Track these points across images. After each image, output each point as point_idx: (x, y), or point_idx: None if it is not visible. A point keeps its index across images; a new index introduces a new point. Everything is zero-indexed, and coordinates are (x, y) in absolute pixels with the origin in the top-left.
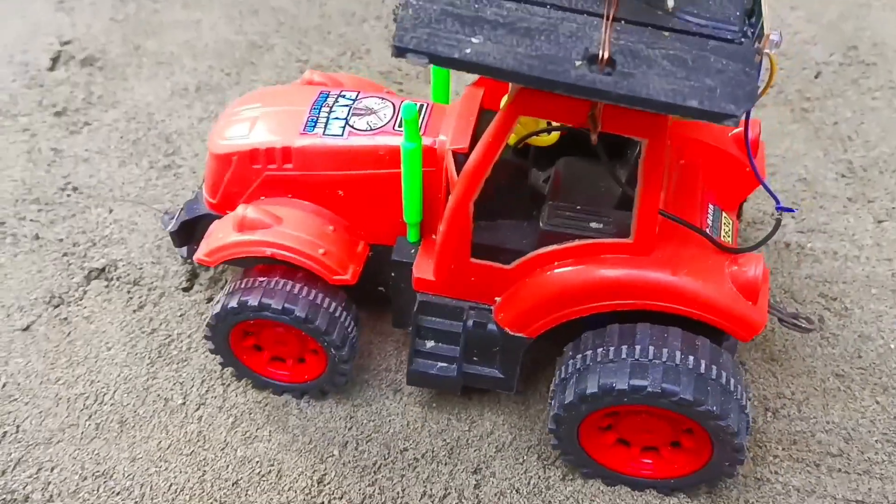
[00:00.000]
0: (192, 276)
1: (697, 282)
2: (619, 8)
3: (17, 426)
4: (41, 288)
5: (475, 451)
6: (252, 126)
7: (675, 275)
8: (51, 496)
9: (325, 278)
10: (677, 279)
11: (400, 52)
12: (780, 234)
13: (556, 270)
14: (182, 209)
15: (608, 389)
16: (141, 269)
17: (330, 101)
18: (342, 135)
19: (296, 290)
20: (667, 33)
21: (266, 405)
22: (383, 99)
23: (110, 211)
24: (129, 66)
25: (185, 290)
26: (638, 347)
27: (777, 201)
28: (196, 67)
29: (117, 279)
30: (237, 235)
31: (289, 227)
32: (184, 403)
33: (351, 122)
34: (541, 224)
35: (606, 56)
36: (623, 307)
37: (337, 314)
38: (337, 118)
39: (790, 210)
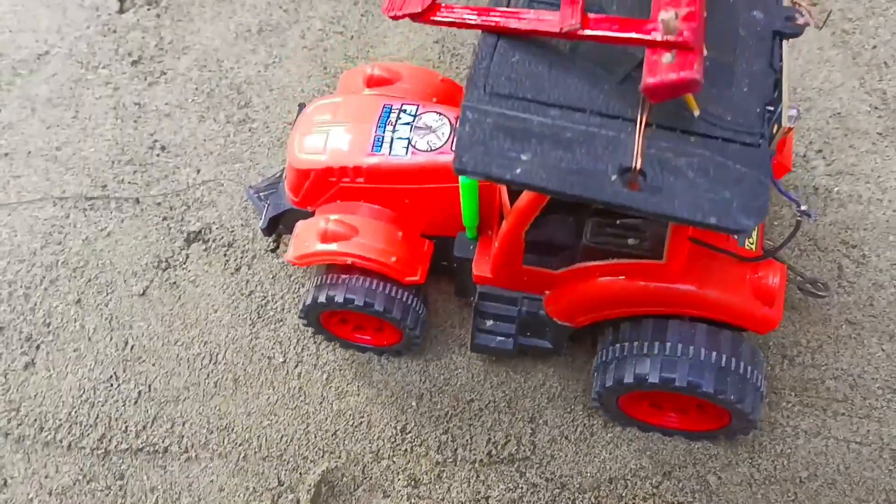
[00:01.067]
0: (278, 237)
1: (720, 293)
2: (651, 112)
3: (149, 385)
4: (149, 253)
5: (530, 401)
6: (326, 142)
7: (702, 288)
8: (185, 448)
9: (398, 279)
10: (703, 292)
11: (460, 172)
12: (810, 178)
13: (600, 279)
14: (269, 205)
15: (642, 380)
16: (233, 231)
17: (392, 117)
18: (406, 154)
19: (374, 287)
20: (693, 138)
21: (353, 362)
22: (441, 115)
23: (198, 171)
24: (193, 4)
25: (273, 251)
26: (668, 344)
27: (798, 204)
28: (255, 4)
29: (213, 242)
30: (321, 245)
31: (364, 237)
32: (284, 362)
33: (413, 142)
34: (584, 240)
35: (638, 167)
36: (656, 312)
37: (409, 302)
38: (400, 137)
39: (809, 215)
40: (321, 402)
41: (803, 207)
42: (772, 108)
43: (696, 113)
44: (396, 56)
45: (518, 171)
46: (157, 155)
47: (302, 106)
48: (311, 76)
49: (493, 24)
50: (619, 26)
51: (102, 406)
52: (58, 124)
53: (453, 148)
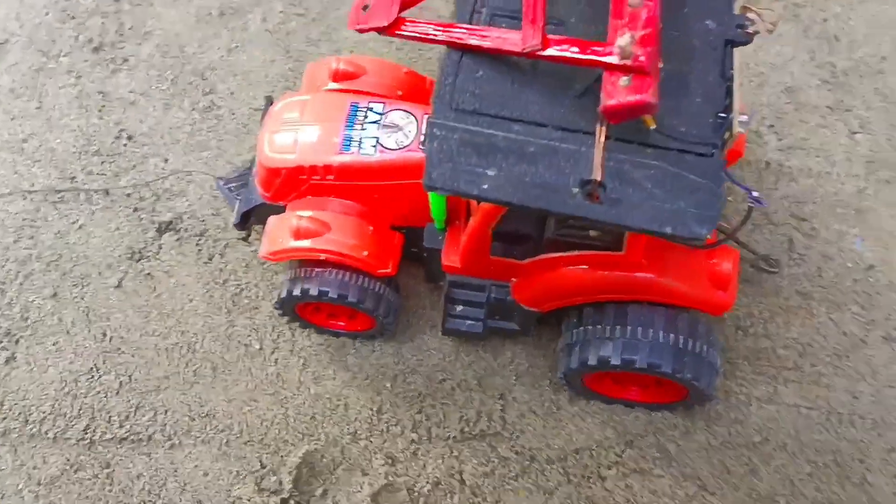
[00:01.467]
0: (249, 227)
1: (677, 281)
2: (610, 126)
3: (130, 376)
4: (122, 245)
5: (500, 379)
6: (295, 141)
7: (660, 276)
8: (169, 436)
9: (370, 272)
10: (661, 280)
11: (430, 188)
12: (763, 153)
13: (564, 269)
14: (240, 200)
15: (605, 362)
16: (203, 221)
17: (360, 116)
18: (375, 153)
19: (347, 279)
20: (649, 150)
21: (328, 347)
22: (407, 113)
23: (166, 161)
24: None
25: (244, 240)
26: (629, 328)
27: (749, 192)
28: None
29: (185, 232)
30: (294, 242)
31: (336, 233)
32: (261, 348)
33: (381, 141)
34: (548, 233)
35: (598, 180)
36: (618, 298)
37: (381, 292)
38: (368, 136)
39: (760, 202)
40: (299, 387)
41: (755, 194)
42: (724, 116)
43: (652, 127)
44: (358, 40)
45: (485, 186)
46: (125, 145)
47: (269, 99)
48: (275, 61)
49: (457, 40)
50: (579, 48)
51: (85, 398)
52: (22, 115)
53: (425, 163)
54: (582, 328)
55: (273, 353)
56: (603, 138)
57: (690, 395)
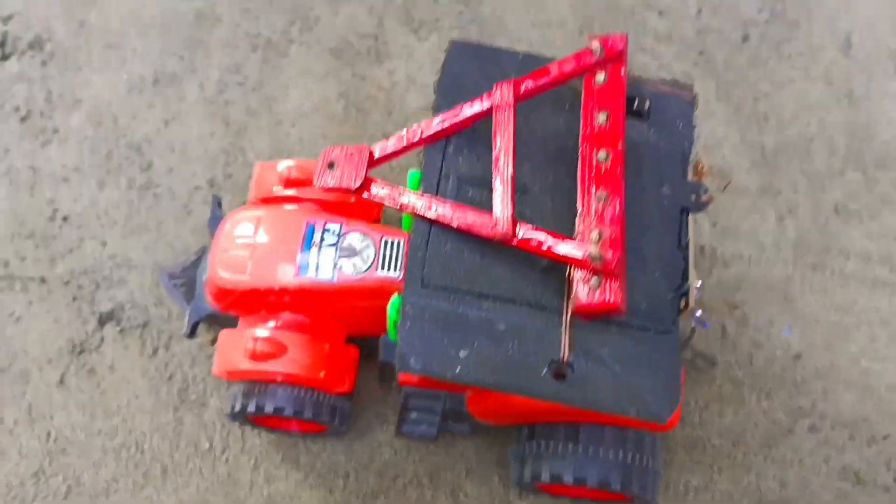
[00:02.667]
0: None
1: None
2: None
3: (77, 479)
4: (62, 337)
5: (451, 474)
6: (249, 262)
7: None
8: None
9: (327, 392)
10: None
11: (405, 373)
12: (698, 238)
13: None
14: (190, 310)
15: (557, 479)
16: (146, 310)
17: (316, 237)
18: (333, 277)
19: (302, 395)
20: (613, 327)
21: (279, 445)
22: (364, 236)
23: (104, 244)
24: (80, 50)
25: (189, 337)
26: (580, 447)
27: (693, 313)
28: (147, 51)
29: (127, 322)
30: (249, 363)
31: (293, 353)
32: (210, 447)
33: (339, 265)
34: None
35: (565, 360)
36: (571, 420)
37: (336, 403)
38: (326, 260)
39: (704, 325)
40: (251, 488)
41: (698, 314)
42: (680, 288)
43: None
44: (300, 111)
45: (458, 369)
46: (59, 227)
47: (216, 199)
48: (214, 133)
49: (426, 210)
50: (550, 245)
51: (33, 503)
52: None
53: (399, 353)
54: (535, 441)
55: (223, 452)
56: (569, 316)
57: (634, 500)
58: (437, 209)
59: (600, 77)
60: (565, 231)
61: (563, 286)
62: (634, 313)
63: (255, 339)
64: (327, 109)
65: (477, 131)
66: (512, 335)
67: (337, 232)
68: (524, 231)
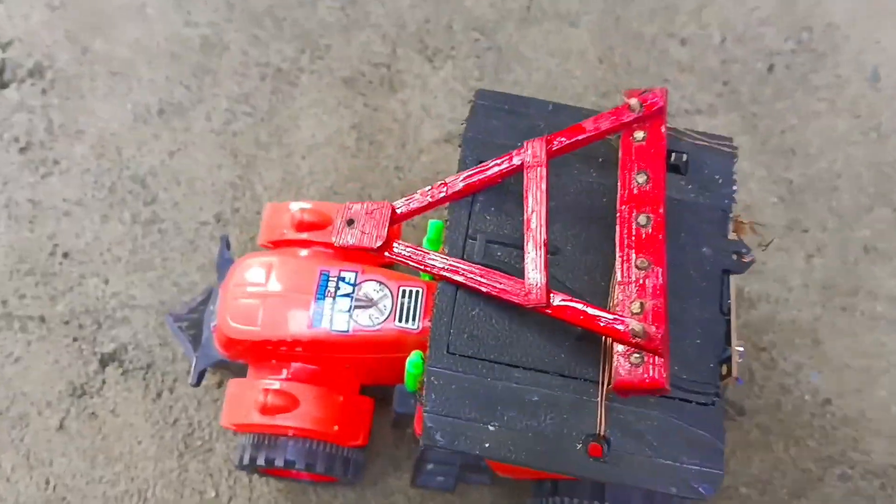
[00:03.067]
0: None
1: None
2: (611, 373)
3: None
4: (63, 379)
5: None
6: (260, 313)
7: None
8: None
9: (341, 445)
10: None
11: (429, 445)
12: None
13: None
14: (197, 357)
15: None
16: (150, 352)
17: (331, 287)
18: (347, 329)
19: (314, 448)
20: (651, 399)
21: (288, 493)
22: (381, 285)
23: (106, 282)
24: (83, 78)
25: (195, 385)
26: None
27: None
28: (153, 79)
29: (130, 364)
30: (260, 417)
31: (305, 406)
32: (217, 496)
33: (354, 316)
34: None
35: (602, 434)
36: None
37: (349, 455)
38: (340, 311)
39: (738, 382)
40: None
41: (741, 383)
42: (723, 356)
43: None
44: (311, 143)
45: (486, 444)
46: (60, 263)
47: (225, 240)
48: (222, 166)
49: (452, 274)
50: (587, 315)
51: None
52: None
53: (424, 428)
54: (557, 498)
55: (230, 500)
56: (605, 387)
57: None
58: (465, 272)
59: (639, 135)
60: (599, 296)
61: (599, 355)
62: (675, 384)
63: (266, 392)
64: (339, 141)
65: (505, 186)
66: (544, 407)
67: (352, 281)
68: (559, 300)
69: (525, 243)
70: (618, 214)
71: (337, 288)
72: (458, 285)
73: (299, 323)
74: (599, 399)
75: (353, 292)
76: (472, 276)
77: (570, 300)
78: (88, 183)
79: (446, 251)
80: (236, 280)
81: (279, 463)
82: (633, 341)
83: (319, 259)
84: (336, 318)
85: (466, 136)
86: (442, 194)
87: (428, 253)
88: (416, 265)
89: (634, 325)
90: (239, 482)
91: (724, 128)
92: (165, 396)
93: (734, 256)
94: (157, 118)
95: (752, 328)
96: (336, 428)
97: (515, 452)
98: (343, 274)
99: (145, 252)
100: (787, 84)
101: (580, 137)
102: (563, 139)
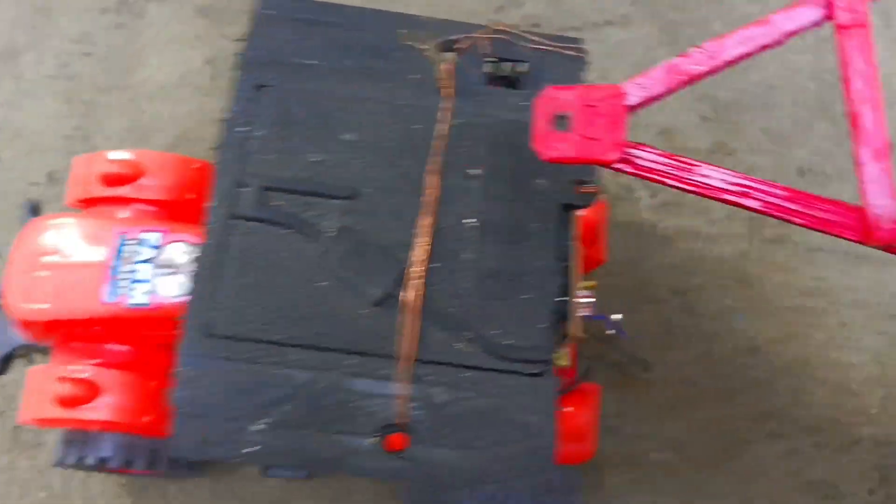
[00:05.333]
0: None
1: None
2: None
3: None
4: None
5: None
6: (49, 285)
7: None
8: None
9: (158, 437)
10: None
11: (177, 456)
12: (634, 212)
13: None
14: None
15: None
16: None
17: (129, 252)
18: (148, 303)
19: (134, 441)
20: (468, 372)
21: (131, 489)
22: (192, 246)
23: None
24: None
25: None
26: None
27: (606, 320)
28: None
29: None
30: (60, 411)
31: (111, 395)
32: (49, 496)
33: (156, 286)
34: None
35: (403, 424)
36: None
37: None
38: (139, 280)
39: (622, 334)
40: None
41: (614, 319)
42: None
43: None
44: (161, 82)
45: (253, 448)
46: None
47: (30, 204)
48: (57, 116)
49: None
50: None
51: None
52: None
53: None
54: None
55: (64, 501)
56: (412, 361)
57: None
58: (763, 193)
59: None
60: None
61: (397, 321)
62: (498, 352)
63: (62, 381)
64: (192, 79)
65: (287, 114)
66: (328, 395)
67: (154, 243)
68: None
69: (857, 147)
70: None
71: (136, 252)
72: (751, 210)
73: (91, 296)
74: (400, 377)
75: (156, 256)
76: (773, 199)
77: None
78: None
79: (213, 204)
80: (21, 250)
81: (90, 461)
82: None
83: (119, 220)
84: (135, 289)
85: (246, 56)
86: (701, 67)
87: (699, 165)
88: (677, 184)
89: None
90: (74, 479)
91: (639, 41)
92: None
93: (573, 187)
94: None
95: (670, 269)
96: (146, 418)
97: (292, 456)
98: (143, 236)
99: None
100: None
101: None
102: None
